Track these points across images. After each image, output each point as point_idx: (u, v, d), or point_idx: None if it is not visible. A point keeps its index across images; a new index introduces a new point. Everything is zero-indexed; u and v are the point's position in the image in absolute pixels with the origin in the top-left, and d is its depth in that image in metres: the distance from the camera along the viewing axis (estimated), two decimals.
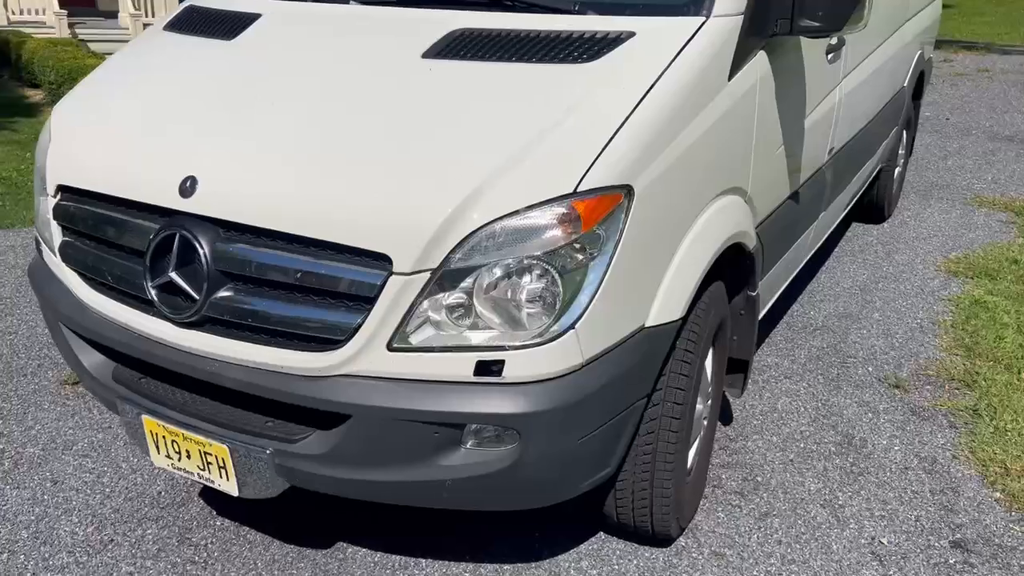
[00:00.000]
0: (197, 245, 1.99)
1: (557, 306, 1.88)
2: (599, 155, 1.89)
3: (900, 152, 5.63)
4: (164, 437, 2.18)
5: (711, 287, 2.50)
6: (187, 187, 2.03)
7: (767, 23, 2.43)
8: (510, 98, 2.06)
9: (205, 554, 2.55)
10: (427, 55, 2.21)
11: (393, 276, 1.85)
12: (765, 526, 2.77)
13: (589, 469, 2.12)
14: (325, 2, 2.60)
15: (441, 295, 1.86)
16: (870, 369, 3.82)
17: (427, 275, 1.85)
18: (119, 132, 2.34)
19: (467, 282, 1.86)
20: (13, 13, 16.65)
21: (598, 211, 1.88)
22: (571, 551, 2.63)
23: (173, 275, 2.03)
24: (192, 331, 2.06)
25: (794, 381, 3.71)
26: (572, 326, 1.89)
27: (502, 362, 1.87)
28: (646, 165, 1.98)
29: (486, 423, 1.91)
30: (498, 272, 1.86)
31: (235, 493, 2.16)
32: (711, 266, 2.35)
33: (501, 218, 1.84)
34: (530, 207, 1.84)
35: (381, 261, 1.86)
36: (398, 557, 2.56)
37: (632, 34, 2.18)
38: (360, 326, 1.88)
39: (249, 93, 2.25)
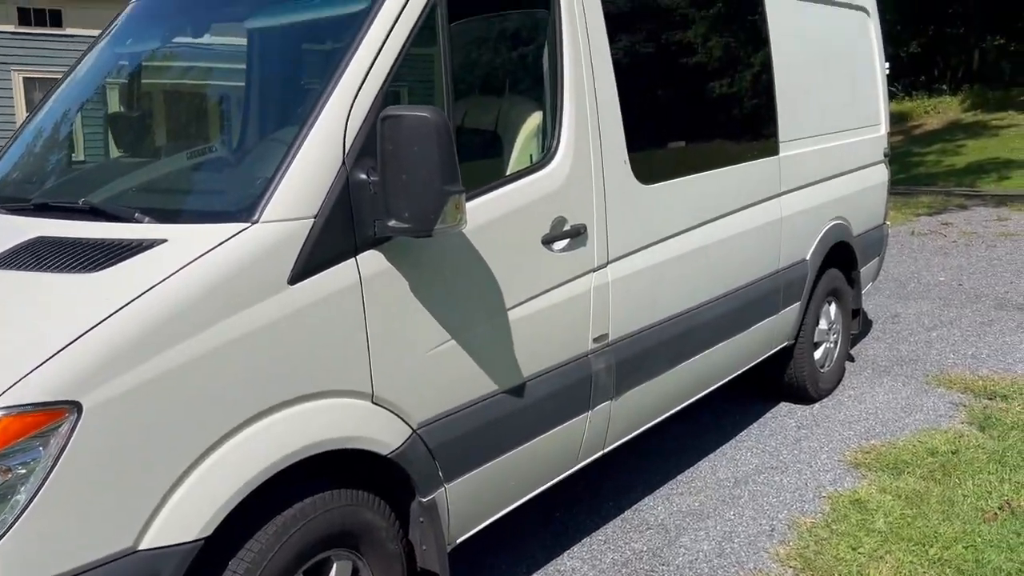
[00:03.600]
0: None
1: None
2: (30, 372, 1.86)
3: (827, 328, 5.22)
4: None
5: (313, 498, 2.36)
6: None
7: (361, 225, 2.38)
8: None
9: None
10: None
11: None
12: None
13: None
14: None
15: None
16: None
17: None
18: None
19: None
20: None
21: (17, 429, 1.83)
22: None
23: None
24: None
25: None
26: None
27: None
28: (109, 378, 1.92)
29: None
30: None
31: None
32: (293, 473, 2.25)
33: None
34: None
35: None
36: None
37: (162, 241, 2.19)
38: None
39: None
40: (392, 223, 2.34)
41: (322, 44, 2.77)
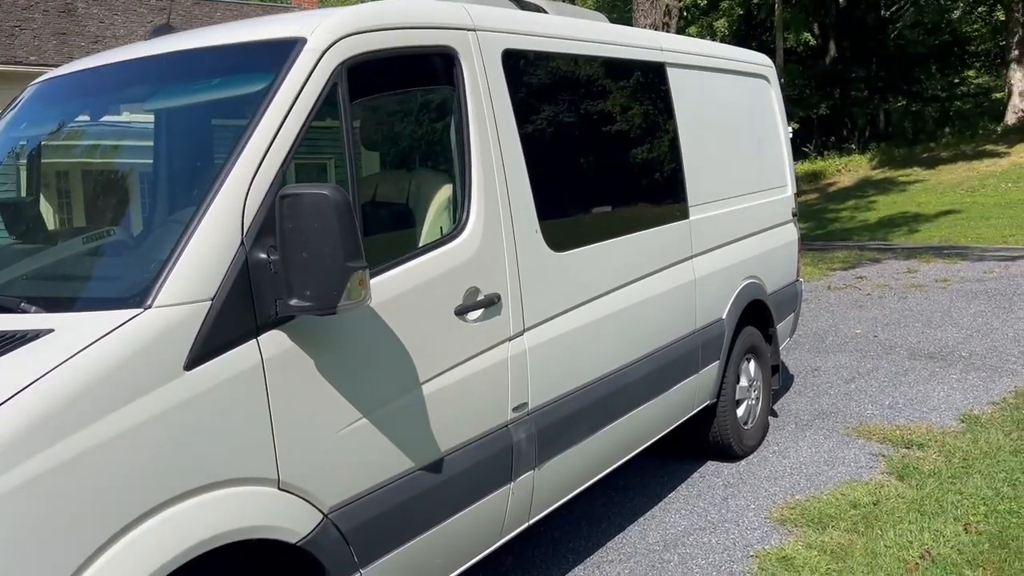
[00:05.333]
0: None
1: None
2: None
3: (748, 385, 5.31)
4: None
5: None
6: None
7: (262, 305, 2.34)
8: None
9: None
10: None
11: None
12: None
13: None
14: None
15: None
16: None
17: None
18: None
19: None
20: None
21: None
22: None
23: None
24: None
25: None
26: None
27: None
28: None
29: None
30: None
31: None
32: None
33: None
34: None
35: None
36: None
37: (48, 331, 2.10)
38: None
39: None
40: (294, 302, 2.30)
41: (221, 125, 2.75)
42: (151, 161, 3.19)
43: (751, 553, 4.08)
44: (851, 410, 6.03)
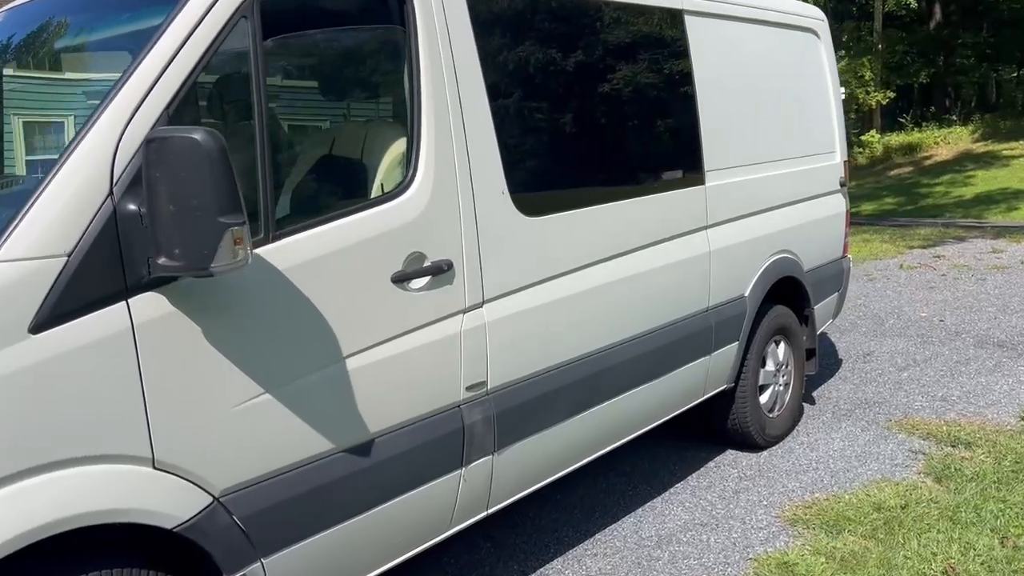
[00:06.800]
0: None
1: None
2: None
3: (775, 370, 4.85)
4: None
5: None
6: None
7: (133, 264, 2.09)
8: None
9: None
10: None
11: None
12: None
13: None
14: None
15: None
16: None
17: None
18: None
19: None
20: None
21: None
22: None
23: None
24: None
25: None
26: None
27: None
28: None
29: None
30: None
31: None
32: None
33: None
34: None
35: None
36: None
37: None
38: None
39: None
40: (162, 261, 2.04)
41: (110, 64, 2.51)
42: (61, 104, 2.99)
43: (750, 556, 3.69)
44: (898, 401, 5.49)
